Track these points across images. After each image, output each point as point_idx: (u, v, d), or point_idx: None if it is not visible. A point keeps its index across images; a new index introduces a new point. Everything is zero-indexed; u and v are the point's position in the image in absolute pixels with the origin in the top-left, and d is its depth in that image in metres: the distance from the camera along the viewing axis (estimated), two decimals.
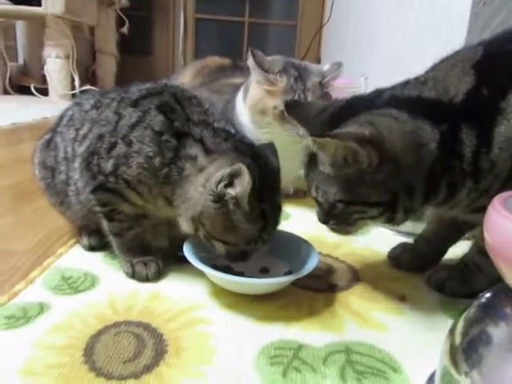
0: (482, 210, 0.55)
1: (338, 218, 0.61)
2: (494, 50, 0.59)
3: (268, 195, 0.62)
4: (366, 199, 0.57)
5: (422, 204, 0.59)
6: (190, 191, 0.62)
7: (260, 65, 0.99)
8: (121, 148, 0.64)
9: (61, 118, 0.77)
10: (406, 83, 0.61)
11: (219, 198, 0.59)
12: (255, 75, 1.01)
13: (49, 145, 0.76)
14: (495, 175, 0.55)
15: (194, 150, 0.62)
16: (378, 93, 0.62)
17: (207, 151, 0.62)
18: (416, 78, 0.61)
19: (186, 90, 0.70)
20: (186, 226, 0.64)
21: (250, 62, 1.00)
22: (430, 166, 0.55)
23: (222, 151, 0.62)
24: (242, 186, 0.57)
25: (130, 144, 0.64)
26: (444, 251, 0.76)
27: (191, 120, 0.64)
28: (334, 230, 0.65)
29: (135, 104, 0.66)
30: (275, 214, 0.64)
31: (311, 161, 0.61)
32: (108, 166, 0.65)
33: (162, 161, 0.62)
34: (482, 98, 0.55)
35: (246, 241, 0.62)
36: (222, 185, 0.58)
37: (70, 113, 0.75)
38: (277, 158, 0.69)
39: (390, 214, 0.58)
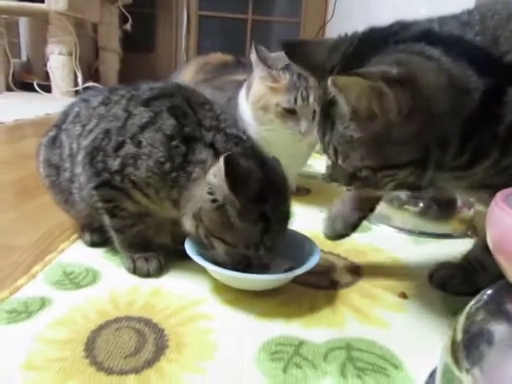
0: (489, 188, 0.52)
1: (364, 181, 0.54)
2: None
3: (272, 200, 0.61)
4: (396, 161, 0.50)
5: (451, 161, 0.52)
6: (196, 191, 0.62)
7: (263, 60, 0.99)
8: (129, 148, 0.64)
9: (66, 114, 0.76)
10: (444, 18, 0.51)
11: (213, 191, 0.59)
12: (258, 71, 1.01)
13: (54, 142, 0.76)
14: None
15: (204, 154, 0.62)
16: (402, 25, 0.52)
17: (217, 155, 0.61)
18: (455, 16, 0.51)
19: (199, 93, 0.70)
20: (188, 225, 0.64)
21: (254, 57, 1.00)
22: (467, 119, 0.48)
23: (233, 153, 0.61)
24: (219, 172, 0.56)
25: (139, 145, 0.63)
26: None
27: (203, 125, 0.64)
28: (357, 189, 0.58)
29: (147, 104, 0.66)
30: (280, 221, 0.63)
31: (328, 117, 0.53)
32: (115, 164, 0.64)
33: (172, 166, 0.62)
34: None
35: (245, 243, 0.61)
36: (212, 176, 0.58)
37: (77, 109, 0.74)
38: (282, 168, 0.67)
39: (420, 172, 0.51)
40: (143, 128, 0.64)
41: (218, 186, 0.58)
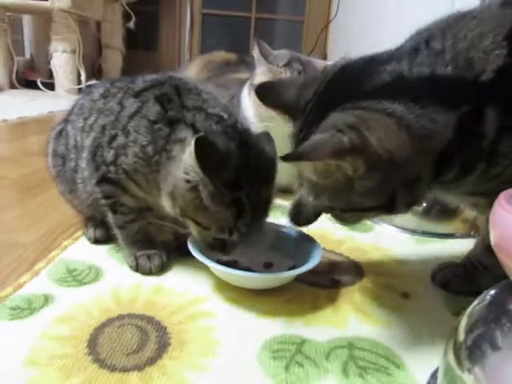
0: (483, 194, 0.54)
1: (336, 218, 0.57)
2: None
3: (249, 184, 0.59)
4: (360, 206, 0.52)
5: (427, 190, 0.53)
6: (173, 169, 0.61)
7: (265, 56, 1.00)
8: (120, 139, 0.65)
9: (73, 106, 0.78)
10: (416, 51, 0.50)
11: (187, 170, 0.58)
12: (260, 67, 1.01)
13: (61, 134, 0.77)
14: None
15: (184, 133, 0.61)
16: (375, 67, 0.50)
17: (196, 133, 0.60)
18: (429, 44, 0.50)
19: (189, 82, 0.70)
20: (167, 204, 0.63)
21: (256, 52, 1.00)
22: (441, 151, 0.48)
23: (210, 132, 0.60)
24: (190, 152, 0.56)
25: (127, 134, 0.64)
26: None
27: (185, 107, 0.63)
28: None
29: (137, 95, 0.66)
30: (257, 205, 0.61)
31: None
32: (109, 156, 0.66)
33: (155, 148, 0.62)
34: None
35: (218, 227, 0.60)
36: (187, 155, 0.58)
37: (81, 102, 0.76)
38: (273, 147, 0.66)
39: (389, 212, 0.53)
40: (131, 117, 0.64)
41: (191, 167, 0.57)
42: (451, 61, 0.48)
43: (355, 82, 0.51)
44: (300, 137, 0.53)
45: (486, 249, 0.64)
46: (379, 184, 0.48)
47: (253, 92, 1.03)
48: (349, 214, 0.54)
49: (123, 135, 0.64)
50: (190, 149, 0.55)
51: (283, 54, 1.04)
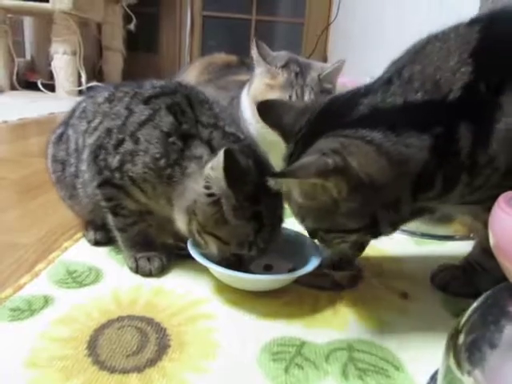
0: (476, 202, 0.55)
1: (321, 240, 0.60)
2: (494, 33, 0.52)
3: (266, 200, 0.60)
4: (344, 227, 0.54)
5: (410, 210, 0.55)
6: (190, 185, 0.62)
7: (263, 56, 1.01)
8: (128, 145, 0.64)
9: (73, 110, 0.77)
10: (388, 82, 0.53)
11: (209, 185, 0.59)
12: (258, 67, 1.02)
13: (61, 138, 0.77)
14: (495, 168, 0.51)
15: (200, 150, 0.62)
16: (356, 99, 0.54)
17: (213, 152, 0.61)
18: (400, 74, 0.53)
19: (201, 92, 0.70)
20: (180, 220, 0.64)
21: (254, 53, 1.02)
22: (419, 172, 0.51)
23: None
24: (217, 165, 0.56)
25: (136, 141, 0.64)
26: None
27: (200, 122, 0.64)
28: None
29: (147, 101, 0.66)
30: (273, 222, 0.62)
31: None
32: (114, 161, 0.65)
33: (167, 162, 0.63)
34: (480, 92, 0.49)
35: (238, 242, 0.61)
36: (209, 169, 0.58)
37: (84, 105, 0.75)
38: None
39: (374, 234, 0.56)
40: (141, 125, 0.64)
41: (215, 180, 0.58)
42: (420, 87, 0.51)
43: (339, 114, 0.55)
44: (290, 160, 0.57)
45: (484, 251, 0.64)
46: (361, 206, 0.51)
47: (251, 88, 1.04)
48: (333, 234, 0.57)
49: (131, 141, 0.64)
50: (218, 161, 0.56)
51: (282, 55, 1.05)
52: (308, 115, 0.58)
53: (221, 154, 0.55)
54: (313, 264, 0.65)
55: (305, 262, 0.66)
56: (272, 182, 0.55)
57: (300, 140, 0.57)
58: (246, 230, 0.60)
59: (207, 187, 0.59)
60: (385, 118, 0.51)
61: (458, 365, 0.38)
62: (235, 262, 0.63)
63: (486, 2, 1.01)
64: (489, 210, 0.53)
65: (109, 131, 0.66)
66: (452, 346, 0.40)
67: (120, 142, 0.65)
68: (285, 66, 1.00)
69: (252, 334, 0.55)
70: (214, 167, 0.58)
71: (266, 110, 0.64)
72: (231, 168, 0.56)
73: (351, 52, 2.72)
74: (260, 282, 0.64)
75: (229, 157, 0.55)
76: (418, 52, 0.54)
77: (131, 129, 0.65)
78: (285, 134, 0.61)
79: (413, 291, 0.68)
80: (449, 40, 0.52)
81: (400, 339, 0.56)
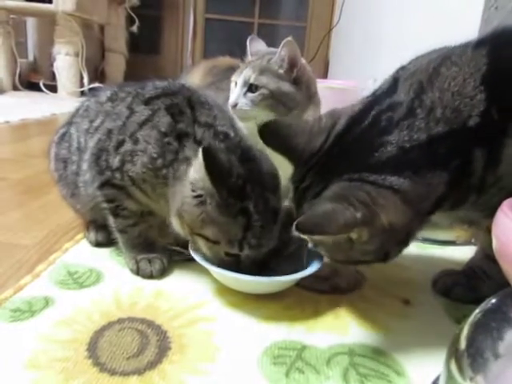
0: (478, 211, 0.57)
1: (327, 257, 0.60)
2: (499, 57, 0.52)
3: (255, 196, 0.60)
4: (357, 260, 0.55)
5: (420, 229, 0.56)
6: (179, 188, 0.62)
7: (251, 49, 1.04)
8: (128, 146, 0.65)
9: (77, 109, 0.78)
10: (412, 112, 0.51)
11: (195, 187, 0.59)
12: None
13: (63, 138, 0.77)
14: (500, 188, 0.52)
15: (191, 150, 0.62)
16: (381, 133, 0.52)
17: None
18: (421, 101, 0.51)
19: (201, 94, 0.70)
20: (175, 223, 0.64)
21: (248, 50, 1.03)
22: (434, 203, 0.52)
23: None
24: (199, 166, 0.56)
25: (136, 142, 0.64)
26: None
27: (198, 122, 0.64)
28: None
29: (147, 102, 0.66)
30: (265, 219, 0.60)
31: (300, 206, 0.57)
32: (115, 161, 0.65)
33: (163, 162, 0.63)
34: (493, 119, 0.50)
35: (227, 240, 0.60)
36: (193, 171, 0.58)
37: (87, 104, 0.76)
38: (271, 162, 0.66)
39: (383, 261, 0.56)
40: (141, 125, 0.64)
41: (198, 179, 0.58)
42: (441, 117, 0.50)
43: (361, 150, 0.53)
44: (301, 187, 0.56)
45: (486, 257, 0.64)
46: (377, 247, 0.52)
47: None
48: (343, 262, 0.58)
49: (131, 142, 0.64)
50: (199, 160, 0.56)
51: (270, 50, 1.07)
52: (321, 139, 0.56)
53: (200, 152, 0.55)
54: (314, 267, 0.64)
55: (306, 265, 0.66)
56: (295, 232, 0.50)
57: (313, 168, 0.55)
58: (233, 228, 0.59)
59: (193, 190, 0.59)
60: (411, 161, 0.50)
61: (460, 370, 0.37)
62: (232, 263, 0.62)
63: (489, 9, 1.01)
64: (489, 216, 0.53)
65: (110, 132, 0.67)
66: (454, 352, 0.39)
67: (120, 143, 0.65)
68: (262, 55, 1.01)
69: (253, 337, 0.55)
70: (197, 167, 0.58)
71: (269, 132, 0.60)
72: (212, 165, 0.56)
73: (353, 56, 2.72)
74: (261, 284, 0.64)
75: (207, 155, 0.55)
76: (435, 75, 0.53)
77: (131, 129, 0.65)
78: (291, 158, 0.59)
79: (414, 296, 0.68)
80: (462, 66, 0.52)
81: (401, 344, 0.56)
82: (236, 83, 0.99)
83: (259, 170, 0.62)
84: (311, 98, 1.00)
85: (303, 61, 1.00)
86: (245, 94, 0.95)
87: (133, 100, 0.68)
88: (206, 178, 0.56)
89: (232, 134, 0.65)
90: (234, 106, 0.94)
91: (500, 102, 0.50)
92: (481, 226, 0.61)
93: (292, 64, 0.95)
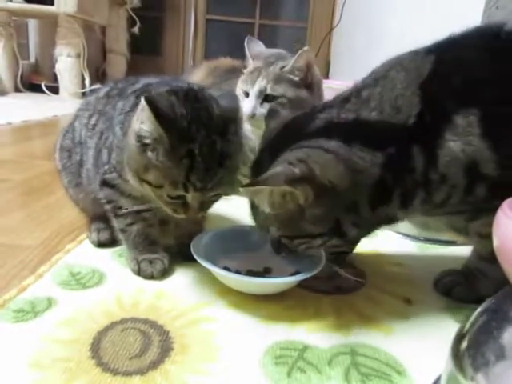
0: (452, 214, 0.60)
1: (287, 249, 0.62)
2: (441, 66, 0.57)
3: (201, 137, 0.58)
4: (309, 232, 0.58)
5: (370, 213, 0.59)
6: (125, 142, 0.62)
7: (250, 51, 1.05)
8: (110, 138, 0.67)
9: (81, 103, 0.81)
10: (346, 99, 0.59)
11: (139, 137, 0.58)
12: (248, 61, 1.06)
13: (68, 129, 0.80)
14: (452, 186, 0.56)
15: (130, 103, 0.64)
16: (314, 114, 0.60)
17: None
18: (358, 93, 0.59)
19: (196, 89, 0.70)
20: (133, 183, 0.63)
21: (246, 52, 1.04)
22: (374, 185, 0.56)
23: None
24: (143, 114, 0.56)
25: (114, 132, 0.66)
26: None
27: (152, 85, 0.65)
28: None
29: (126, 97, 0.68)
30: (209, 160, 0.58)
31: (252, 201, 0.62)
32: (105, 156, 0.68)
33: (123, 131, 0.64)
34: (427, 121, 0.55)
35: (171, 182, 0.58)
36: (138, 123, 0.57)
37: (89, 98, 0.79)
38: (235, 103, 0.66)
39: (340, 236, 0.59)
40: (117, 117, 0.67)
41: (145, 129, 0.57)
42: (376, 107, 0.57)
43: (299, 128, 0.61)
44: (258, 170, 0.61)
45: (479, 257, 0.66)
46: (325, 211, 0.56)
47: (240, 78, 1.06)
48: (297, 241, 0.60)
49: (112, 135, 0.67)
50: (144, 110, 0.55)
51: (271, 51, 1.08)
52: (274, 132, 0.64)
53: (142, 103, 0.55)
54: (316, 267, 0.64)
55: (307, 266, 0.66)
56: (243, 191, 0.57)
57: (266, 151, 0.62)
58: (177, 170, 0.57)
59: (139, 140, 0.58)
60: (338, 131, 0.57)
61: (462, 370, 0.38)
62: (179, 207, 0.61)
63: (490, 9, 1.01)
64: (472, 220, 0.61)
65: (101, 134, 0.70)
66: (455, 352, 0.39)
67: (106, 139, 0.68)
68: (265, 57, 1.03)
69: (254, 337, 0.55)
70: (142, 118, 0.57)
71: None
72: (158, 113, 0.55)
73: (354, 56, 2.72)
74: (263, 285, 0.64)
75: (150, 103, 0.54)
76: (383, 76, 0.59)
77: (113, 125, 0.67)
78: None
79: (416, 296, 0.68)
80: (410, 70, 0.58)
81: (403, 344, 0.56)
82: (246, 92, 1.00)
83: (206, 111, 0.60)
84: (321, 96, 1.04)
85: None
86: (261, 103, 0.97)
87: (118, 99, 0.69)
88: (154, 126, 0.55)
89: (180, 83, 0.64)
90: (253, 116, 0.96)
91: (430, 106, 0.55)
92: (469, 233, 0.63)
93: (308, 71, 0.99)
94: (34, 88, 3.25)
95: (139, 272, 0.69)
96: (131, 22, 3.56)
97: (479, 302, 0.43)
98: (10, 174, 1.22)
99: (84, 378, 0.46)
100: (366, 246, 0.85)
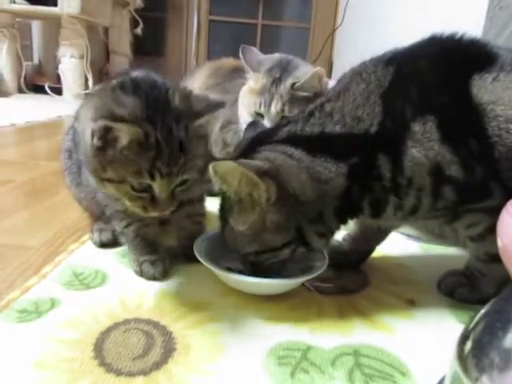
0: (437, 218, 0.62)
1: (254, 266, 0.63)
2: (403, 74, 0.59)
3: (160, 123, 0.57)
4: (274, 244, 0.59)
5: (338, 224, 0.62)
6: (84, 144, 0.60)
7: (248, 62, 1.05)
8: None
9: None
10: (310, 114, 0.61)
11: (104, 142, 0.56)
12: (247, 73, 1.07)
13: (70, 130, 0.79)
14: (418, 189, 0.57)
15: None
16: (280, 128, 0.63)
17: None
18: (322, 107, 0.60)
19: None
20: (95, 183, 0.62)
21: (241, 58, 1.04)
22: (339, 195, 0.58)
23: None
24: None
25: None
26: (371, 251, 0.78)
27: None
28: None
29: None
30: (171, 145, 0.57)
31: (223, 217, 0.63)
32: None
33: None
34: (389, 129, 0.57)
35: (132, 172, 0.56)
36: (95, 138, 0.56)
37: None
38: (186, 97, 0.62)
39: (304, 246, 0.60)
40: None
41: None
42: (339, 120, 0.59)
43: (265, 138, 0.63)
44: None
45: (478, 259, 0.65)
46: (285, 219, 0.57)
47: (240, 94, 1.06)
48: (264, 255, 0.60)
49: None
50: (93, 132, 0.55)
51: (269, 58, 1.08)
52: (244, 143, 0.67)
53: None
54: (319, 268, 0.64)
55: (311, 266, 0.66)
56: (213, 168, 0.56)
57: (236, 158, 0.62)
58: (141, 159, 0.56)
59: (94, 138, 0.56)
60: (302, 143, 0.59)
61: (466, 371, 0.37)
62: (147, 201, 0.59)
63: (493, 9, 1.01)
64: (449, 222, 0.63)
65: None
66: (459, 353, 0.39)
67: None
68: (267, 71, 1.03)
69: (257, 337, 0.55)
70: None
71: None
72: (114, 119, 0.53)
73: (357, 57, 2.72)
74: (266, 285, 0.64)
75: (104, 125, 0.54)
76: (344, 89, 0.61)
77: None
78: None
79: (419, 297, 0.68)
80: (370, 82, 0.60)
81: (407, 345, 0.56)
82: (258, 113, 1.00)
83: (158, 97, 0.59)
84: None
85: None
86: None
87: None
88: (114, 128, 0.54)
89: (140, 75, 0.64)
90: None
91: (391, 115, 0.57)
92: (460, 239, 0.65)
93: (320, 85, 1.01)
94: (38, 89, 3.26)
95: (141, 273, 0.69)
96: (134, 23, 3.57)
97: (482, 302, 0.42)
98: (13, 174, 1.23)
99: (87, 379, 0.46)
100: None
